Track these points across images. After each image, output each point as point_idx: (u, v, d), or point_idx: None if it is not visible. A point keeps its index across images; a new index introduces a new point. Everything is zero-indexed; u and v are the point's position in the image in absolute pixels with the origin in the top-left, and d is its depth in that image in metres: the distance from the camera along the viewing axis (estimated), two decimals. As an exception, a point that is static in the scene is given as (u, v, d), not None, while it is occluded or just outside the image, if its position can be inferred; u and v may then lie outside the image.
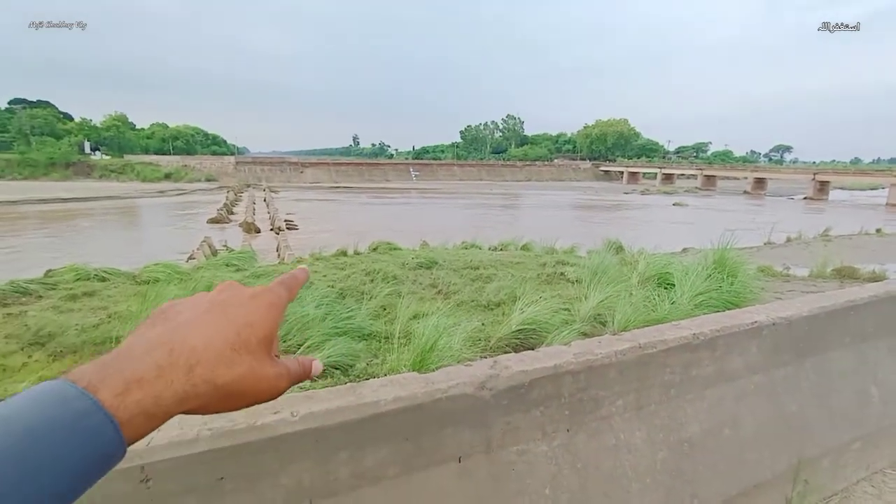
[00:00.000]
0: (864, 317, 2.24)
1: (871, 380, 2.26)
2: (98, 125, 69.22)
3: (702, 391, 1.73)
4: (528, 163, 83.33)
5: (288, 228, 20.23)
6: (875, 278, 7.10)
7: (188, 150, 73.97)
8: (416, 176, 66.86)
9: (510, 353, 1.53)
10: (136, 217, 28.75)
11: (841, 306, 2.15)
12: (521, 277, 6.26)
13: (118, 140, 67.87)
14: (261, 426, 1.04)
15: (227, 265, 8.28)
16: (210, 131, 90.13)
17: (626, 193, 51.26)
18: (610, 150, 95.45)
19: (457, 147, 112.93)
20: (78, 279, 6.57)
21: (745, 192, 54.42)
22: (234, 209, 28.66)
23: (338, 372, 3.34)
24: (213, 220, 23.01)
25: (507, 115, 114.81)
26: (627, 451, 1.52)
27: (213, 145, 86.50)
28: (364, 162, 79.18)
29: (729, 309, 3.05)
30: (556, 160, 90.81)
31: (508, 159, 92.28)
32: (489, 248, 10.49)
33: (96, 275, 6.73)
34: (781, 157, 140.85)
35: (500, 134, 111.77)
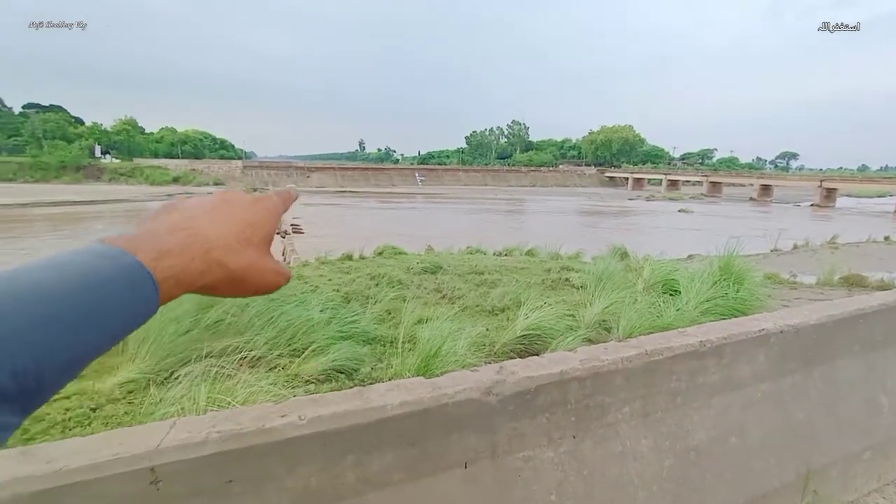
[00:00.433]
0: (873, 325, 2.22)
1: (880, 389, 2.23)
2: (108, 129, 70.17)
3: (708, 399, 1.72)
4: (533, 168, 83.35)
5: (294, 232, 20.30)
6: (884, 287, 7.03)
7: (196, 155, 74.69)
8: (421, 181, 66.95)
9: (515, 358, 1.53)
10: (145, 220, 28.91)
11: (850, 314, 2.13)
12: (525, 283, 6.25)
13: (128, 144, 68.72)
14: (268, 429, 1.04)
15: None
16: (218, 136, 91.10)
17: (631, 200, 51.08)
18: (615, 156, 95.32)
19: (462, 153, 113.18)
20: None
21: (751, 198, 54.03)
22: (241, 213, 28.71)
23: (342, 376, 3.34)
24: (219, 224, 23.06)
25: (513, 121, 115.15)
26: (634, 459, 1.51)
27: (221, 149, 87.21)
28: (370, 167, 79.74)
29: (735, 316, 3.03)
30: (561, 166, 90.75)
31: (513, 165, 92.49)
32: (494, 254, 10.48)
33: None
34: (787, 163, 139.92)
35: (506, 140, 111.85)
